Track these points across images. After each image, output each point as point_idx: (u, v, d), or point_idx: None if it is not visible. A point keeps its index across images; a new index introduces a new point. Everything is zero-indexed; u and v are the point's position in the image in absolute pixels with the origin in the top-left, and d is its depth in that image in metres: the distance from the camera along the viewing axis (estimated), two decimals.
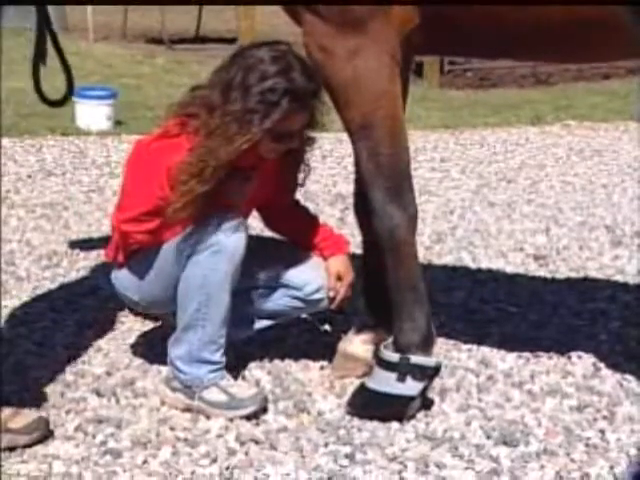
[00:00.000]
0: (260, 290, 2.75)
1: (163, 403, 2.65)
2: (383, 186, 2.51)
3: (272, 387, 2.78)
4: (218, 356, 2.59)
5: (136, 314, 3.17)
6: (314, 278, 2.72)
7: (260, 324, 2.82)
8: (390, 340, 2.63)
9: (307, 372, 2.89)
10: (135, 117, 6.58)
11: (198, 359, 2.57)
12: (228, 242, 2.50)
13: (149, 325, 3.16)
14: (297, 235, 2.79)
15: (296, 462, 2.35)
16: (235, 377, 2.68)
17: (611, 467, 2.34)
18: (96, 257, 3.79)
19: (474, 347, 3.08)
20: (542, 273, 3.90)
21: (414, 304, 2.59)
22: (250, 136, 2.40)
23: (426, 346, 2.59)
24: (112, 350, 3.01)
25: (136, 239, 2.55)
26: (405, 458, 2.38)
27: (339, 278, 2.73)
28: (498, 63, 9.40)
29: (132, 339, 3.10)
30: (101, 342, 3.07)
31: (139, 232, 2.53)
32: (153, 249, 2.57)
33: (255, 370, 2.87)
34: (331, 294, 2.73)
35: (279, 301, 2.76)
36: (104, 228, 4.13)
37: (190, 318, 2.54)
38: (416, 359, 2.55)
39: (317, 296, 2.74)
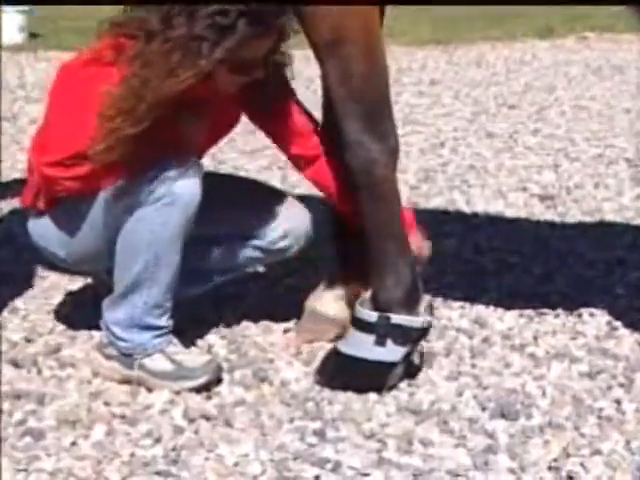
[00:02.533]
0: (214, 240, 2.77)
1: (95, 374, 2.68)
2: (357, 113, 2.53)
3: (227, 353, 2.81)
4: (164, 320, 2.62)
5: (62, 268, 3.18)
6: (278, 223, 2.75)
7: (214, 280, 2.84)
8: (367, 295, 2.67)
9: (269, 335, 2.93)
10: (55, 29, 6.51)
11: (140, 324, 2.60)
12: (181, 192, 2.49)
13: (77, 282, 3.18)
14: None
15: (256, 441, 2.39)
16: (184, 342, 2.71)
17: (627, 442, 2.40)
18: (9, 199, 3.78)
19: (467, 304, 3.14)
20: (549, 216, 3.95)
21: (396, 254, 2.62)
22: (197, 70, 2.37)
23: (410, 303, 2.63)
24: (32, 311, 3.03)
25: (64, 186, 2.53)
26: (385, 435, 2.43)
27: None
28: None
29: (57, 298, 3.11)
30: (18, 302, 3.08)
31: (68, 178, 2.51)
32: (86, 197, 2.56)
33: (207, 334, 2.91)
34: None
35: (237, 252, 2.78)
36: (20, 165, 4.12)
37: (134, 279, 2.56)
38: (398, 318, 2.60)
39: (283, 244, 2.77)
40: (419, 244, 2.72)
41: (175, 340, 2.66)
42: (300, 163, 2.72)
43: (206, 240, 2.76)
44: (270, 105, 2.65)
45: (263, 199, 2.79)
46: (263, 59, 2.50)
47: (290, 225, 2.76)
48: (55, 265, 3.16)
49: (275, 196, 2.82)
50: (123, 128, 2.38)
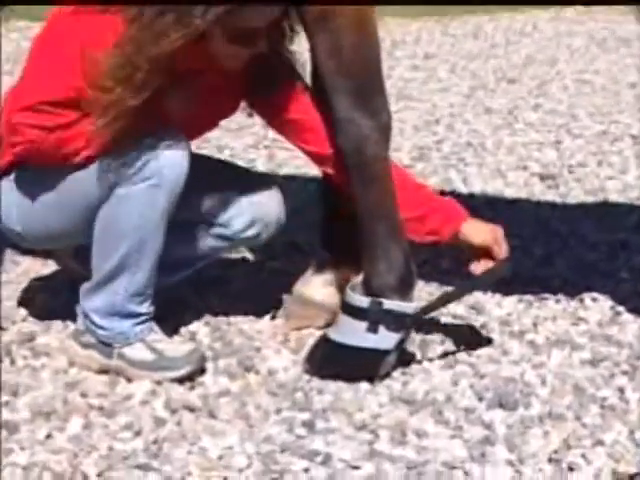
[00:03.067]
0: (175, 228, 2.64)
1: (71, 363, 2.68)
2: (347, 88, 2.53)
3: (211, 341, 2.82)
4: (145, 307, 2.63)
5: (36, 253, 3.18)
6: (245, 210, 2.71)
7: (193, 265, 2.83)
8: (359, 280, 2.68)
9: (255, 322, 2.93)
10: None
11: (121, 312, 2.60)
12: (169, 173, 2.48)
13: (52, 267, 3.18)
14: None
15: (241, 433, 2.40)
16: (165, 330, 2.71)
17: (631, 432, 2.42)
18: None
19: None
20: (550, 196, 3.97)
21: (389, 237, 2.63)
22: (189, 30, 2.36)
23: (404, 288, 2.65)
24: (4, 298, 3.02)
25: (26, 136, 2.45)
26: (377, 426, 2.44)
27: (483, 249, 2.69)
28: None
29: (30, 284, 3.11)
30: None
31: (34, 126, 2.43)
32: (57, 167, 2.53)
33: (190, 321, 2.91)
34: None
35: (199, 242, 2.75)
36: None
37: (117, 264, 2.55)
38: (391, 304, 2.61)
39: (250, 233, 2.74)
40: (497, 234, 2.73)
41: (156, 328, 2.67)
42: (318, 161, 2.70)
43: (174, 227, 2.64)
44: (277, 99, 2.63)
45: (230, 184, 2.74)
46: (264, 31, 2.49)
47: (258, 213, 2.72)
48: (28, 250, 3.17)
49: (244, 180, 2.78)
50: (124, 99, 2.36)
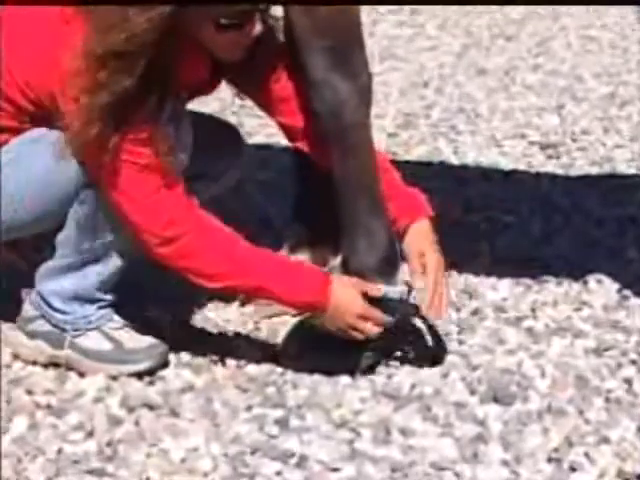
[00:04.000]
0: None
1: (16, 356, 2.69)
2: (322, 47, 2.53)
3: (174, 331, 2.83)
4: (110, 293, 2.65)
5: None
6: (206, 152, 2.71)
7: None
8: (337, 262, 2.69)
9: (222, 310, 2.94)
10: None
11: (86, 297, 2.62)
12: None
13: None
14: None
15: (206, 432, 2.41)
16: (125, 318, 2.71)
17: (639, 428, 2.44)
18: None
19: (454, 271, 3.15)
20: (551, 168, 3.98)
21: (370, 213, 2.64)
22: (154, 14, 2.31)
23: (387, 270, 2.66)
24: None
25: None
26: (358, 423, 2.46)
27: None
28: None
29: None
30: None
31: None
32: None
33: (151, 308, 2.92)
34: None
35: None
36: None
37: (94, 248, 2.57)
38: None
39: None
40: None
41: (116, 317, 2.68)
42: (290, 133, 2.73)
43: None
44: (253, 67, 2.64)
45: (217, 139, 2.80)
46: (254, 11, 2.48)
47: (221, 157, 2.77)
48: None
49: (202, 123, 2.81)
50: (95, 98, 2.35)
